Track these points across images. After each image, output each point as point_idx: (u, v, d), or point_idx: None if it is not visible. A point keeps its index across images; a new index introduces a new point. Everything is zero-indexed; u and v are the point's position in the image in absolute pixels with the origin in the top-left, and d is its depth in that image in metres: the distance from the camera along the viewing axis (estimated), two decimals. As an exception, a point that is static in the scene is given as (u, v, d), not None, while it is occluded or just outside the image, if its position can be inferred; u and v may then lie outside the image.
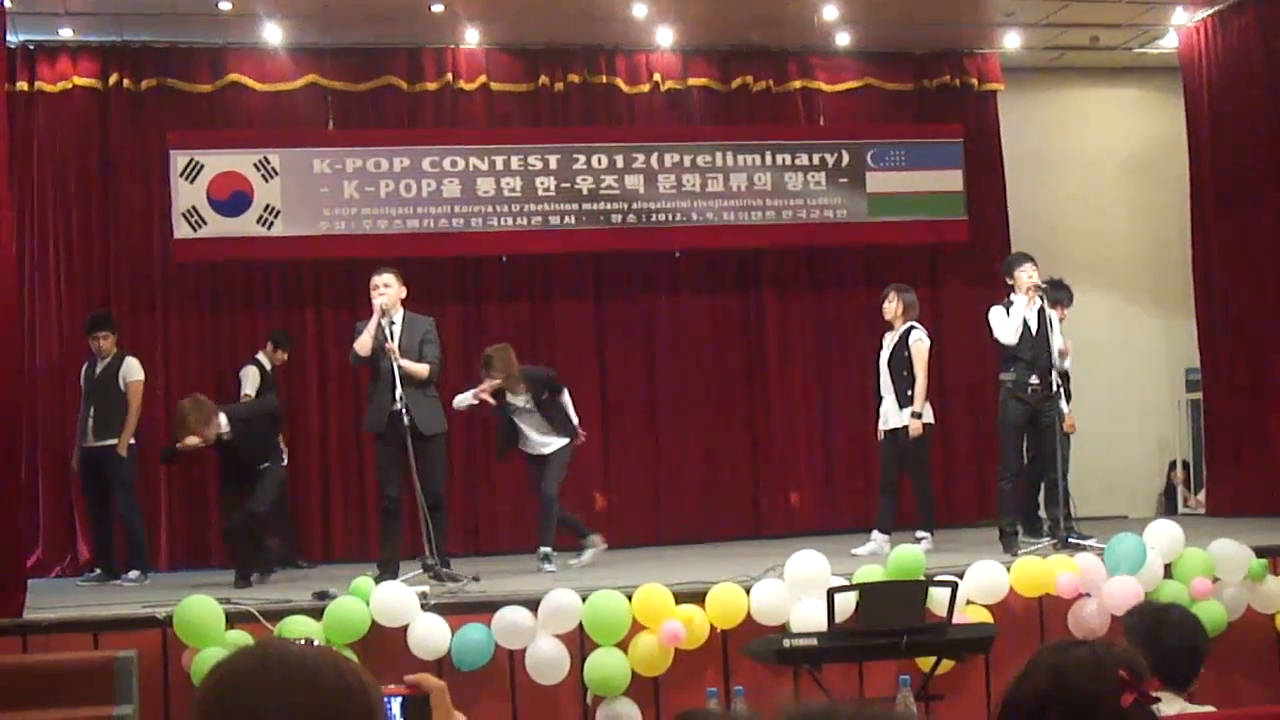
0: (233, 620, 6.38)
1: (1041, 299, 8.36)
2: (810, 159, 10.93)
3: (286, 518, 9.60)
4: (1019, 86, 11.73)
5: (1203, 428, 11.17)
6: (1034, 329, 8.36)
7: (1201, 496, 11.09)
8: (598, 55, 11.01)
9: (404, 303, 7.90)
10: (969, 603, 6.74)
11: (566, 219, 10.55)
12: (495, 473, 10.22)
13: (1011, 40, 11.26)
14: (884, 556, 7.52)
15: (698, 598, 6.68)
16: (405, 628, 6.47)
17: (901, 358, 8.85)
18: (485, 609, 6.60)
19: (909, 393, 8.75)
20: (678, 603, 6.57)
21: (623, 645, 6.51)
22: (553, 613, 6.49)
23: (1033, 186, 11.67)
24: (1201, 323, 10.90)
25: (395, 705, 1.88)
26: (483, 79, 10.82)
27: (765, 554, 7.96)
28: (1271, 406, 10.19)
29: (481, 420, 9.44)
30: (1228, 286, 10.62)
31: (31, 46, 10.16)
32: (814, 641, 6.21)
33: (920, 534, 8.64)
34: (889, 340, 8.99)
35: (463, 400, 8.61)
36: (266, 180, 10.20)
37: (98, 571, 9.12)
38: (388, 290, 7.75)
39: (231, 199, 10.12)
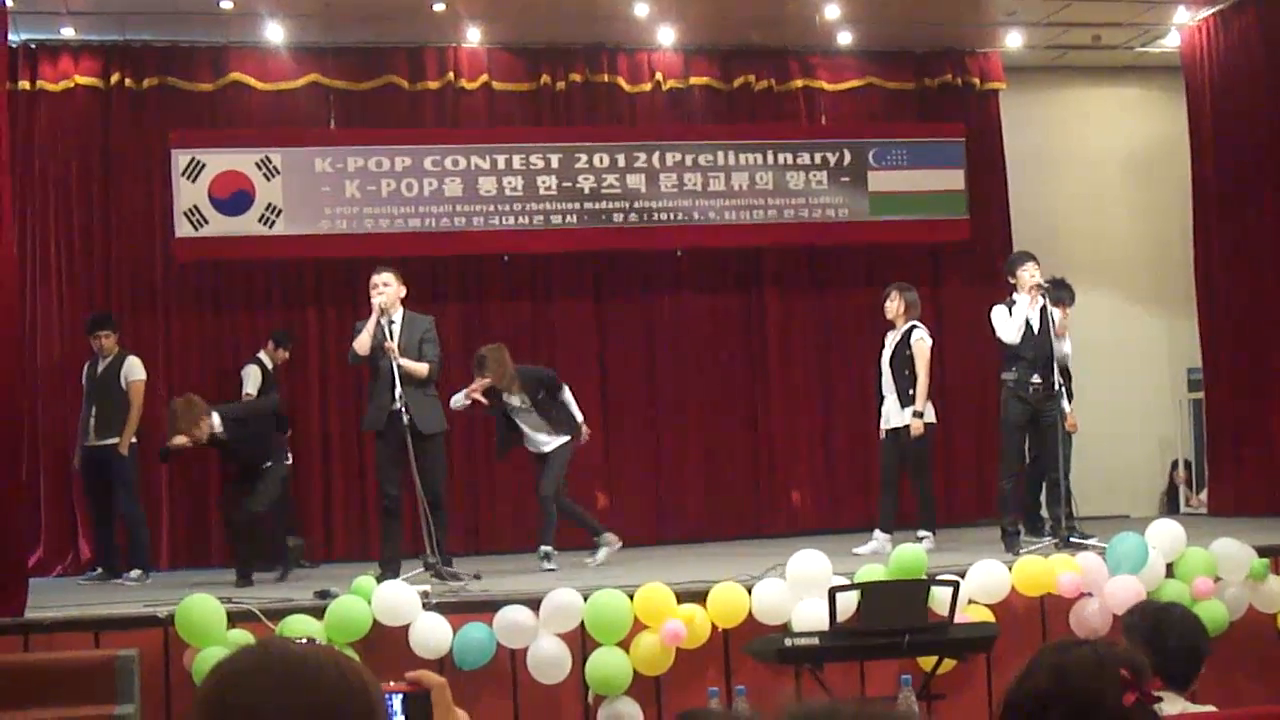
0: (234, 619, 6.38)
1: (1044, 298, 8.35)
2: (812, 158, 10.93)
3: (291, 517, 9.60)
4: (1021, 86, 11.73)
5: (1204, 427, 11.17)
6: (1036, 328, 8.36)
7: (1203, 496, 11.09)
8: (599, 54, 11.01)
9: (404, 302, 7.90)
10: (971, 602, 6.74)
11: (568, 218, 10.55)
12: (496, 472, 10.23)
13: (1013, 39, 11.25)
14: (885, 556, 7.52)
15: (699, 597, 6.67)
16: (407, 627, 6.47)
17: (903, 357, 8.85)
18: (487, 608, 6.60)
19: (910, 392, 8.75)
20: (679, 602, 6.57)
21: (624, 644, 6.51)
22: (554, 612, 6.49)
23: (1034, 186, 11.67)
24: (1203, 322, 10.89)
25: (396, 702, 1.88)
26: (484, 78, 10.82)
27: (766, 553, 7.97)
28: (1273, 406, 10.18)
29: (482, 420, 9.44)
30: (1229, 286, 10.62)
31: (33, 45, 10.16)
32: (815, 641, 6.21)
33: (922, 533, 8.64)
34: (891, 339, 8.99)
35: (457, 401, 8.61)
36: (268, 179, 10.20)
37: (99, 571, 9.12)
38: (387, 289, 7.75)
39: (233, 198, 10.12)
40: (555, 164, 10.55)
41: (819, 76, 11.36)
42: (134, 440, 8.97)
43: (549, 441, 8.72)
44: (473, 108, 10.87)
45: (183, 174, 10.08)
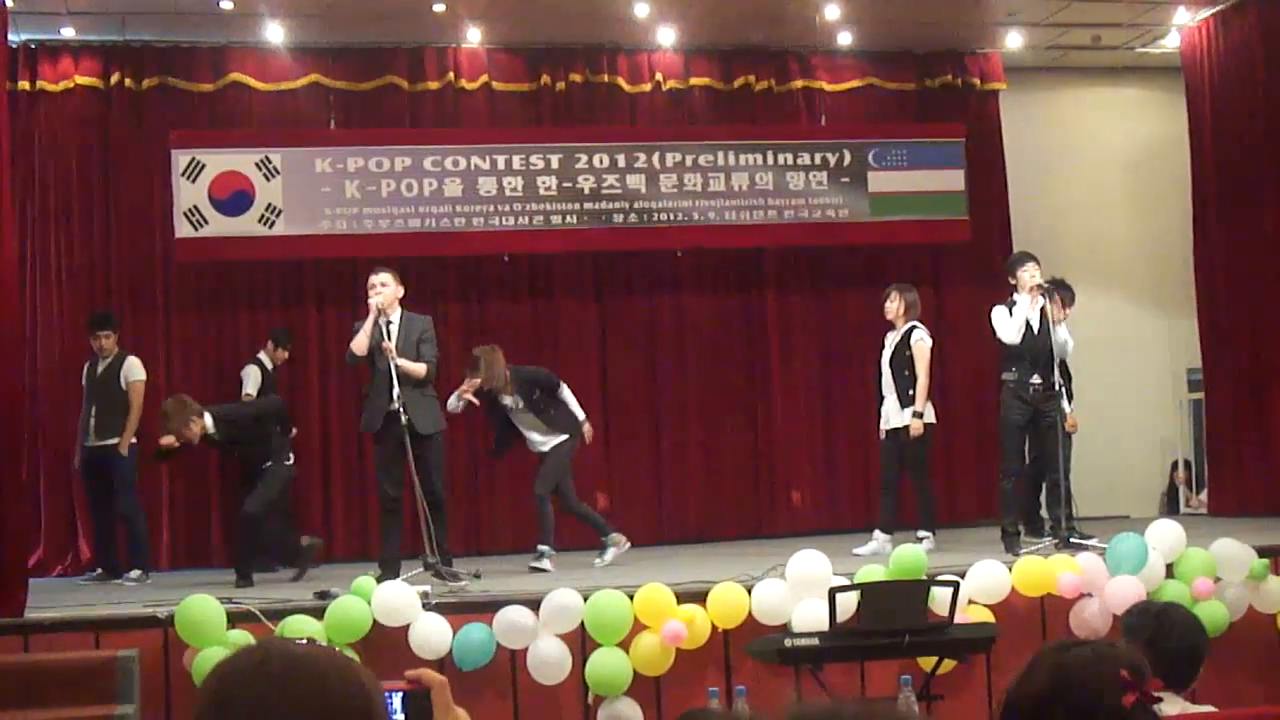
0: (234, 620, 6.38)
1: (1044, 298, 8.35)
2: (812, 158, 10.93)
3: (292, 517, 9.60)
4: (1021, 86, 11.73)
5: (1204, 427, 11.17)
6: (1036, 329, 8.35)
7: (1203, 496, 11.09)
8: (599, 55, 11.01)
9: (402, 302, 7.89)
10: (970, 602, 6.74)
11: (568, 218, 10.55)
12: (496, 472, 10.23)
13: (1013, 40, 11.25)
14: (886, 556, 7.51)
15: (699, 597, 6.67)
16: (407, 627, 6.47)
17: (903, 357, 8.85)
18: (487, 608, 6.60)
19: (910, 392, 8.75)
20: (679, 602, 6.57)
21: (624, 645, 6.51)
22: (554, 612, 6.49)
23: (1034, 186, 11.67)
24: (1203, 322, 10.89)
25: (396, 700, 1.88)
26: (484, 78, 10.82)
27: (767, 553, 7.97)
28: (1273, 406, 10.18)
29: (483, 420, 9.44)
30: (1229, 286, 10.62)
31: (33, 46, 10.16)
32: (815, 641, 6.20)
33: (922, 533, 8.64)
34: (891, 340, 8.99)
35: (452, 404, 8.60)
36: (268, 179, 10.20)
37: (99, 571, 9.13)
38: (384, 289, 7.74)
39: (233, 198, 10.11)
40: (555, 164, 10.54)
41: (819, 77, 11.36)
42: (134, 440, 8.98)
43: (545, 441, 8.74)
44: (473, 108, 10.87)
45: (183, 174, 10.07)
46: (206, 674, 1.63)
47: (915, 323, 8.94)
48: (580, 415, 8.86)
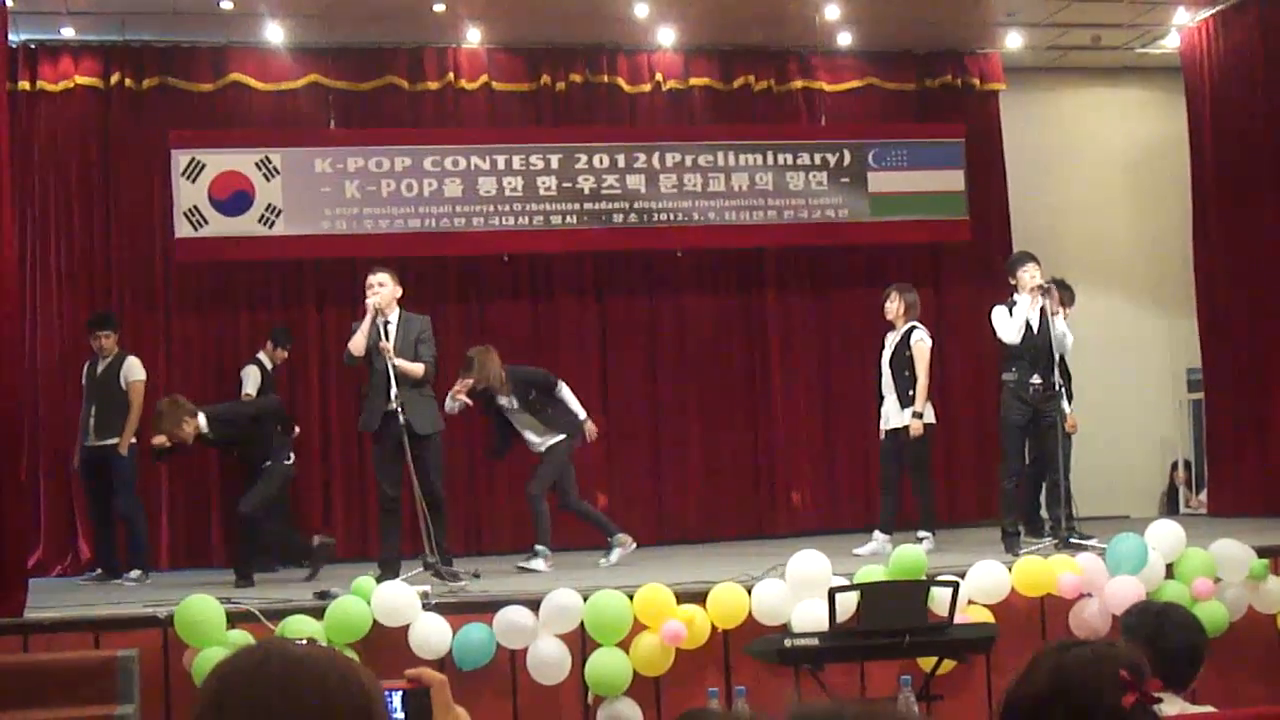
0: (234, 620, 6.38)
1: (1044, 298, 8.35)
2: (812, 159, 10.93)
3: (292, 517, 9.60)
4: (1021, 86, 11.73)
5: (1204, 428, 11.17)
6: (1036, 329, 8.35)
7: (1203, 496, 11.09)
8: (599, 55, 11.01)
9: (400, 302, 7.89)
10: (970, 602, 6.74)
11: (568, 218, 10.55)
12: (495, 472, 10.23)
13: (1013, 40, 11.25)
14: (885, 556, 7.51)
15: (699, 597, 6.67)
16: (406, 627, 6.46)
17: (903, 357, 8.85)
18: (486, 608, 6.60)
19: (910, 392, 8.75)
20: (679, 602, 6.56)
21: (624, 645, 6.50)
22: (554, 612, 6.49)
23: (1034, 186, 11.67)
24: (1203, 322, 10.89)
25: (396, 699, 1.88)
26: (484, 78, 10.82)
27: (767, 553, 7.97)
28: (1273, 406, 10.18)
29: (482, 420, 9.44)
30: (1229, 286, 10.62)
31: (33, 46, 10.16)
32: (815, 641, 6.20)
33: (922, 534, 8.64)
34: (891, 340, 8.99)
35: (448, 405, 8.59)
36: (268, 180, 10.20)
37: (99, 571, 9.13)
38: (382, 290, 7.74)
39: (233, 198, 10.11)
40: (555, 164, 10.54)
41: (819, 77, 11.36)
42: (134, 440, 8.98)
43: (542, 441, 8.74)
44: (473, 108, 10.87)
45: (183, 174, 10.08)
46: (206, 674, 1.63)
47: (915, 323, 8.94)
48: (581, 414, 8.85)
